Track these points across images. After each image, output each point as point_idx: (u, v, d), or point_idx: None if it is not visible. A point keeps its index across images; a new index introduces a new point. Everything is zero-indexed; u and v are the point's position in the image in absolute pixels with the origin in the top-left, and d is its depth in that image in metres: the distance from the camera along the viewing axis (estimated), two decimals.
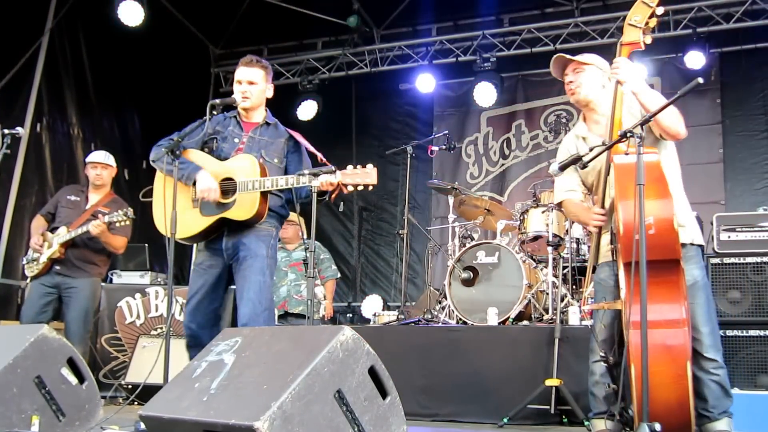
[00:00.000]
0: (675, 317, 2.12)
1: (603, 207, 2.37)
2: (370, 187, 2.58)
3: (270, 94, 2.95)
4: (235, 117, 2.92)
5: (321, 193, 2.66)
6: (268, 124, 2.91)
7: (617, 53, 2.34)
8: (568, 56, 2.55)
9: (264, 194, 2.70)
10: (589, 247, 4.24)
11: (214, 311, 2.80)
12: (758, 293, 3.37)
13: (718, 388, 2.31)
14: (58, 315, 4.11)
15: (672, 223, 2.13)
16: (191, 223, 2.76)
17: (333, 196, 2.66)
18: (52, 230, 3.98)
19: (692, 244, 2.38)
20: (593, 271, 2.55)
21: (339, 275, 5.30)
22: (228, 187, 2.72)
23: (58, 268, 3.91)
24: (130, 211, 3.76)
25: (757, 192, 5.53)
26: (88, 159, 4.14)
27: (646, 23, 2.28)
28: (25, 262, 4.02)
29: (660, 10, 2.28)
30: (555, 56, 2.56)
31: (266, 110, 2.96)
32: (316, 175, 2.59)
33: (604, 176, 2.33)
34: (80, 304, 3.93)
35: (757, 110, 5.64)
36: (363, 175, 2.57)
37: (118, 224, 3.75)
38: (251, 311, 2.63)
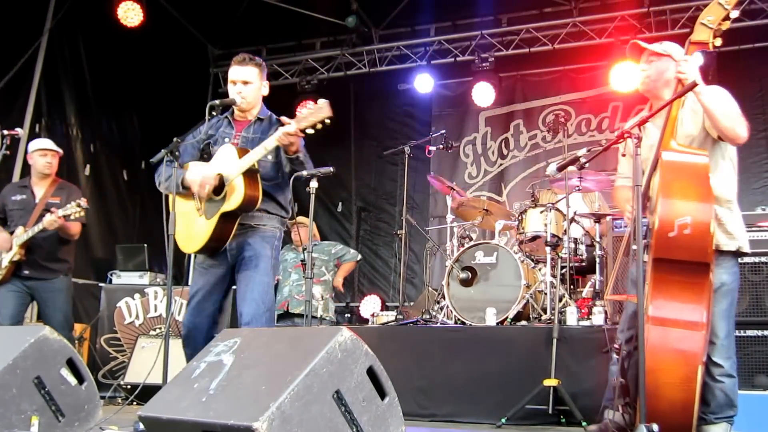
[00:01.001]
0: (695, 319, 2.11)
1: (648, 198, 2.33)
2: (328, 120, 2.50)
3: (265, 91, 2.90)
4: (227, 117, 2.89)
5: (290, 154, 2.61)
6: (260, 119, 2.86)
7: (685, 50, 2.32)
8: (643, 44, 2.49)
9: (249, 176, 2.63)
10: (587, 247, 4.27)
11: (213, 313, 2.78)
12: (756, 293, 3.38)
13: (722, 395, 2.32)
14: (35, 313, 4.07)
15: (708, 227, 2.11)
16: (201, 231, 2.73)
17: (296, 149, 2.61)
18: (9, 233, 3.87)
19: (728, 251, 2.36)
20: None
21: (360, 257, 5.34)
22: (219, 183, 2.70)
23: (27, 272, 3.82)
24: (83, 201, 3.67)
25: (755, 192, 5.54)
26: (36, 146, 3.95)
27: (719, 25, 2.26)
28: None
29: (735, 14, 2.27)
30: (631, 42, 2.51)
31: (262, 106, 2.91)
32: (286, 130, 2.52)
33: (650, 171, 2.30)
34: (59, 307, 3.88)
35: (756, 110, 5.64)
36: (317, 112, 2.49)
37: (73, 216, 3.67)
38: (254, 311, 2.61)
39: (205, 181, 2.66)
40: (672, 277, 2.03)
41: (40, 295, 3.88)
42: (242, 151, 2.68)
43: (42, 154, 3.94)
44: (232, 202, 2.65)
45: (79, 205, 3.63)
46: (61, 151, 4.06)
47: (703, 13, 2.29)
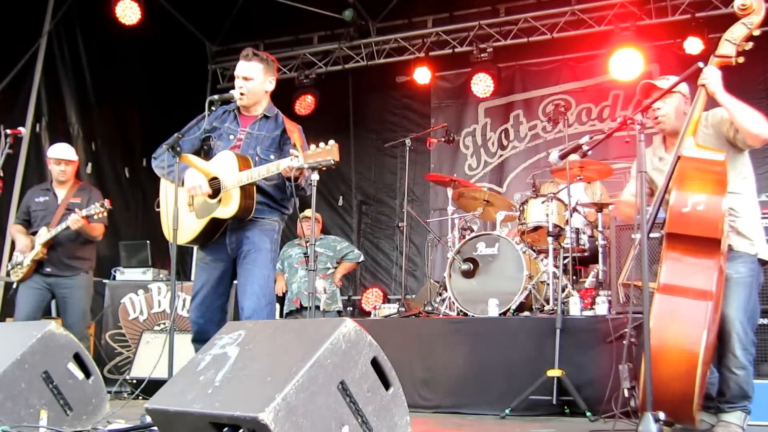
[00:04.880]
0: (705, 288, 2.17)
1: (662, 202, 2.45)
2: (333, 164, 2.54)
3: (271, 87, 2.89)
4: (233, 111, 2.88)
5: (292, 180, 2.63)
6: (266, 117, 2.86)
7: (708, 63, 2.42)
8: (656, 83, 2.57)
9: (245, 189, 2.67)
10: (589, 237, 4.27)
11: (220, 306, 2.82)
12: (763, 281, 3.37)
13: (736, 387, 2.38)
14: (48, 312, 4.12)
15: (721, 207, 2.20)
16: (189, 226, 2.77)
17: (300, 179, 2.64)
18: (32, 234, 3.96)
19: (747, 253, 2.44)
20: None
21: (362, 258, 5.34)
22: (214, 186, 2.73)
23: (48, 269, 3.89)
24: (107, 202, 3.76)
25: (759, 177, 5.47)
26: (51, 155, 4.05)
27: (742, 43, 2.39)
28: (9, 267, 4.01)
29: (757, 32, 2.39)
30: (643, 83, 2.59)
31: (269, 102, 2.91)
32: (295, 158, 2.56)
33: (670, 170, 2.38)
34: (77, 304, 3.94)
35: (759, 94, 5.60)
36: (325, 153, 2.51)
37: (96, 216, 3.75)
38: (255, 305, 2.64)
39: (197, 188, 2.69)
40: (684, 252, 2.11)
41: (59, 292, 3.94)
42: (242, 160, 2.70)
43: (56, 162, 4.04)
44: (227, 211, 2.68)
45: (102, 206, 3.71)
46: (76, 158, 4.10)
47: (728, 30, 2.41)
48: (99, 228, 3.98)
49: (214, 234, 2.77)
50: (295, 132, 2.76)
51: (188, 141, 2.82)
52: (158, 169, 2.85)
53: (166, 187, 2.85)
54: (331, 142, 2.52)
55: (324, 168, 2.57)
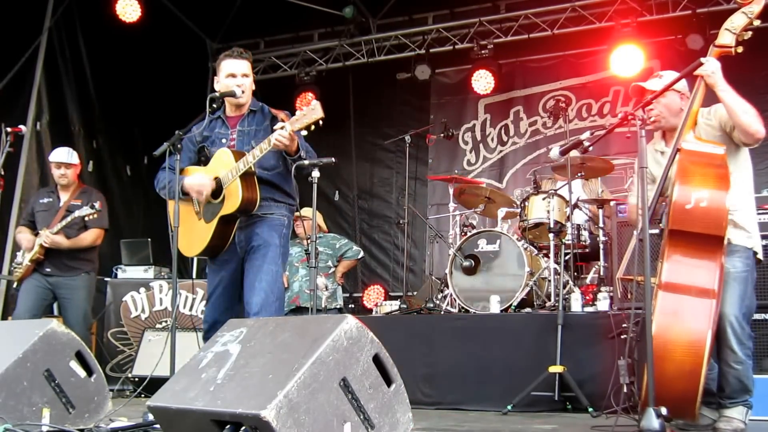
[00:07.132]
0: (707, 286, 2.16)
1: (662, 195, 2.43)
2: (320, 122, 2.56)
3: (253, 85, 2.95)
4: (220, 117, 2.90)
5: (291, 154, 2.66)
6: (253, 111, 2.88)
7: (708, 54, 2.40)
8: (644, 85, 2.54)
9: (246, 178, 2.66)
10: (590, 234, 4.27)
11: (235, 305, 2.81)
12: (762, 276, 3.36)
13: (736, 382, 2.37)
14: (51, 311, 4.13)
15: (724, 204, 2.18)
16: (201, 233, 2.76)
17: (295, 148, 2.65)
18: (36, 235, 3.98)
19: (744, 246, 2.42)
20: None
21: (362, 255, 5.33)
22: (216, 184, 2.73)
23: (49, 269, 3.91)
24: (98, 203, 3.77)
25: (760, 172, 5.46)
26: (51, 158, 4.10)
27: (742, 32, 2.37)
28: (13, 267, 4.06)
29: (757, 22, 2.38)
30: (632, 85, 2.55)
31: (252, 98, 2.93)
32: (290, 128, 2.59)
33: (669, 162, 2.36)
34: (78, 304, 3.95)
35: (761, 89, 5.59)
36: (309, 114, 2.55)
37: (88, 218, 3.77)
38: (263, 300, 2.63)
39: (201, 188, 2.70)
40: (686, 249, 2.10)
41: (60, 292, 3.96)
42: (238, 154, 2.70)
43: (56, 166, 4.07)
44: (230, 205, 2.68)
45: (92, 207, 3.73)
46: (76, 161, 4.11)
47: (728, 20, 2.39)
48: (88, 238, 3.99)
49: (226, 236, 2.74)
50: (281, 114, 2.77)
51: (185, 154, 2.82)
52: (162, 192, 2.86)
53: (172, 206, 2.82)
54: (314, 101, 2.56)
55: (323, 165, 2.57)
